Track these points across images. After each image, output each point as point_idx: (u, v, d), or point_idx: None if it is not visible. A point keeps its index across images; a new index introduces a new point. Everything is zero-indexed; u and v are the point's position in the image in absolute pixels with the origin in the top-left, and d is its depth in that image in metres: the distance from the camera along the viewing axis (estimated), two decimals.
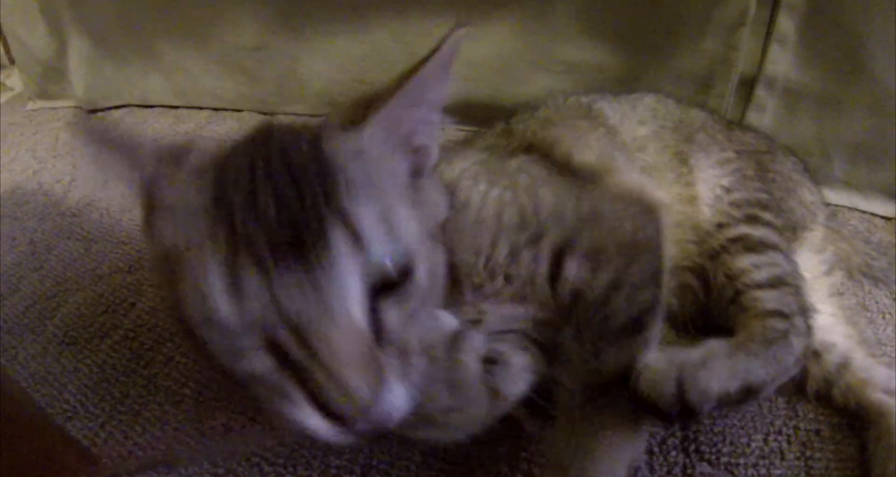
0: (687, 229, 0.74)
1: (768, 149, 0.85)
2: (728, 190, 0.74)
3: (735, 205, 0.72)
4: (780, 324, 0.62)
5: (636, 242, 0.61)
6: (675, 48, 1.07)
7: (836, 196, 1.05)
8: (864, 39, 0.92)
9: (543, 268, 0.59)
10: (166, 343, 0.86)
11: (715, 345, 0.60)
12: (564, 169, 0.67)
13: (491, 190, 0.62)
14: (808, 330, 0.64)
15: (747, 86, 1.05)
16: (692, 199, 0.76)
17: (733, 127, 0.90)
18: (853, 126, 1.00)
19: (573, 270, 0.58)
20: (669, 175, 0.78)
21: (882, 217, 1.02)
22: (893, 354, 0.74)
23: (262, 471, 0.67)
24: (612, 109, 0.84)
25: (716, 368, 0.56)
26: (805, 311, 0.65)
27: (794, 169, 0.85)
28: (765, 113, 1.05)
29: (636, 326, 0.58)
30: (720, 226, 0.71)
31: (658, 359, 0.57)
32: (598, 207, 0.62)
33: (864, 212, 1.04)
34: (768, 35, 0.99)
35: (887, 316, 0.82)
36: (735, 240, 0.69)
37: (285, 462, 0.67)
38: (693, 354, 0.58)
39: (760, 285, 0.66)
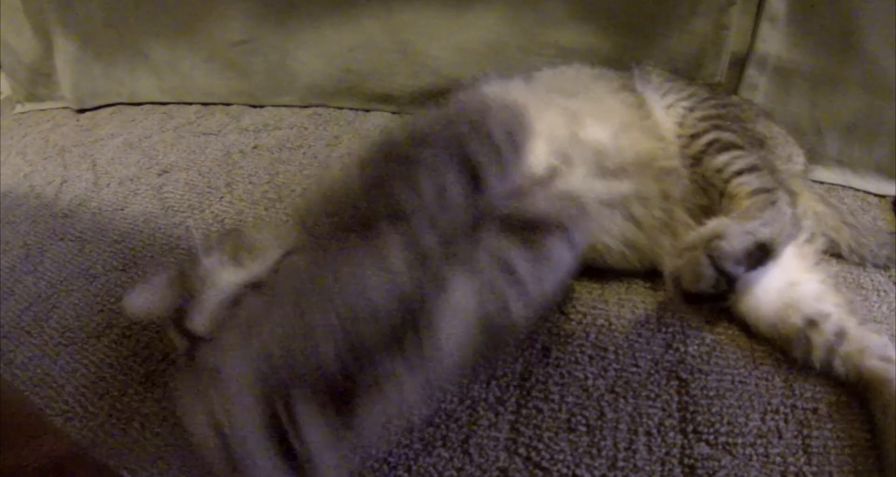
0: (651, 140, 0.82)
1: (724, 92, 0.96)
2: (691, 109, 0.83)
3: (701, 119, 0.81)
4: (766, 196, 0.71)
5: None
6: (665, 29, 1.06)
7: (829, 174, 1.05)
8: (856, 16, 0.92)
9: None
10: (163, 339, 0.86)
11: (718, 220, 0.68)
12: None
13: None
14: (792, 198, 0.73)
15: (738, 65, 1.04)
16: (648, 118, 0.84)
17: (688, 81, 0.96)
18: (846, 104, 0.99)
19: None
20: (612, 101, 0.85)
21: (875, 195, 1.02)
22: (890, 332, 0.74)
23: None
24: (543, 73, 0.96)
25: (730, 233, 0.64)
26: (785, 186, 0.74)
27: (751, 108, 0.94)
28: (756, 92, 1.05)
29: None
30: (693, 136, 0.80)
31: (683, 254, 0.62)
32: None
33: (858, 190, 1.03)
34: (759, 14, 0.99)
35: (881, 293, 0.82)
36: (709, 143, 0.78)
37: None
38: (705, 232, 0.64)
39: (741, 172, 0.74)
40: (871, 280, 0.84)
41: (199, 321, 0.58)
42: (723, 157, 0.76)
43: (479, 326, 0.56)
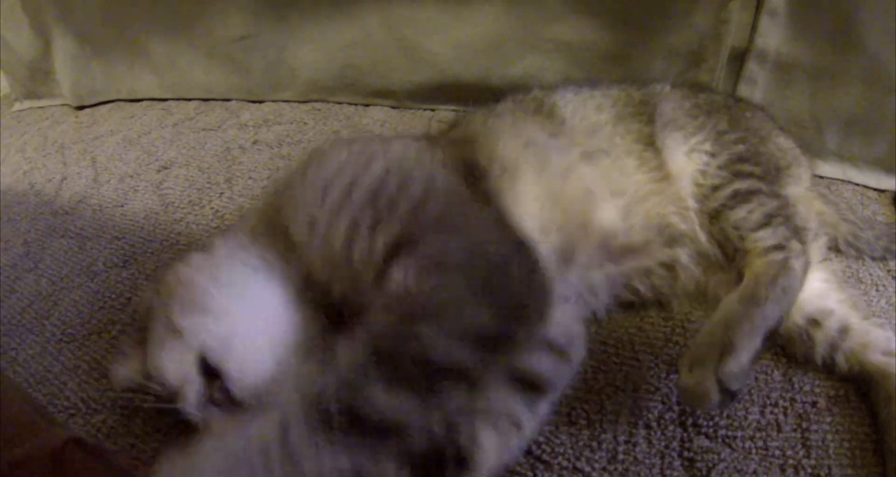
0: (668, 205, 0.80)
1: (735, 103, 0.92)
2: (713, 155, 0.81)
3: (722, 167, 0.79)
4: (778, 255, 0.72)
5: (494, 268, 0.56)
6: (665, 24, 1.06)
7: (829, 169, 1.05)
8: (856, 10, 0.92)
9: (376, 257, 0.56)
10: None
11: (728, 307, 0.67)
12: (476, 168, 0.72)
13: (360, 164, 0.63)
14: (804, 248, 0.74)
15: (738, 60, 1.04)
16: (667, 177, 0.81)
17: (700, 91, 0.94)
18: (846, 99, 0.99)
19: (402, 273, 0.54)
20: (630, 162, 0.81)
21: (875, 189, 1.02)
22: (889, 326, 0.75)
23: None
24: (566, 100, 0.88)
25: (740, 345, 0.62)
26: (797, 232, 0.75)
27: (762, 120, 0.91)
28: (756, 87, 1.05)
29: (436, 378, 0.49)
30: (715, 188, 0.79)
31: (694, 370, 0.61)
32: (466, 219, 0.61)
33: (858, 185, 1.04)
34: (758, 8, 0.99)
35: (880, 288, 0.82)
36: (731, 197, 0.77)
37: None
38: (714, 339, 0.63)
39: (757, 226, 0.75)
40: (870, 275, 0.85)
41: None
42: (741, 212, 0.76)
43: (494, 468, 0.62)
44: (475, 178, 0.70)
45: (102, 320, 0.91)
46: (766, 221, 0.75)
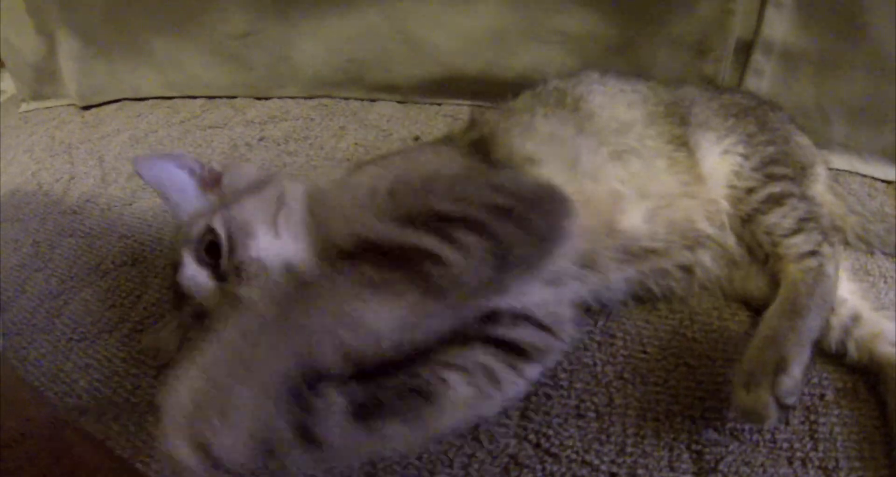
0: (697, 208, 0.79)
1: (758, 104, 0.91)
2: (746, 157, 0.81)
3: (755, 169, 0.80)
4: (813, 262, 0.73)
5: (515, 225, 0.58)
6: (670, 14, 1.05)
7: (835, 160, 1.04)
8: (862, 0, 0.91)
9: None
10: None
11: (773, 323, 0.68)
12: (496, 162, 0.74)
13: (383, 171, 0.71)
14: (836, 249, 0.76)
15: (744, 50, 1.04)
16: (698, 179, 0.80)
17: (722, 91, 0.94)
18: (853, 89, 0.99)
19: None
20: (661, 163, 0.80)
21: (882, 181, 1.02)
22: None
23: None
24: (594, 93, 0.86)
25: (792, 360, 0.63)
26: (827, 235, 0.77)
27: (783, 119, 0.91)
28: (763, 77, 1.04)
29: None
30: (749, 191, 0.79)
31: (750, 388, 0.62)
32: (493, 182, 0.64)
33: (864, 176, 1.03)
34: None
35: (889, 280, 0.82)
36: (764, 200, 0.78)
37: None
38: (763, 358, 0.64)
39: (791, 232, 0.76)
40: (879, 267, 0.84)
41: None
42: (774, 217, 0.77)
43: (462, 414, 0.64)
44: (495, 165, 0.73)
45: (113, 318, 0.92)
46: (799, 227, 0.76)
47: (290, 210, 0.70)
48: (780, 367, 0.63)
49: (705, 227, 0.79)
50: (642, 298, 0.81)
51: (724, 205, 0.80)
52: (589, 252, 0.73)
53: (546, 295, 0.70)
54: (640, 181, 0.77)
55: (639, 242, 0.76)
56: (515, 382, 0.67)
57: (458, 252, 0.52)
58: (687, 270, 0.80)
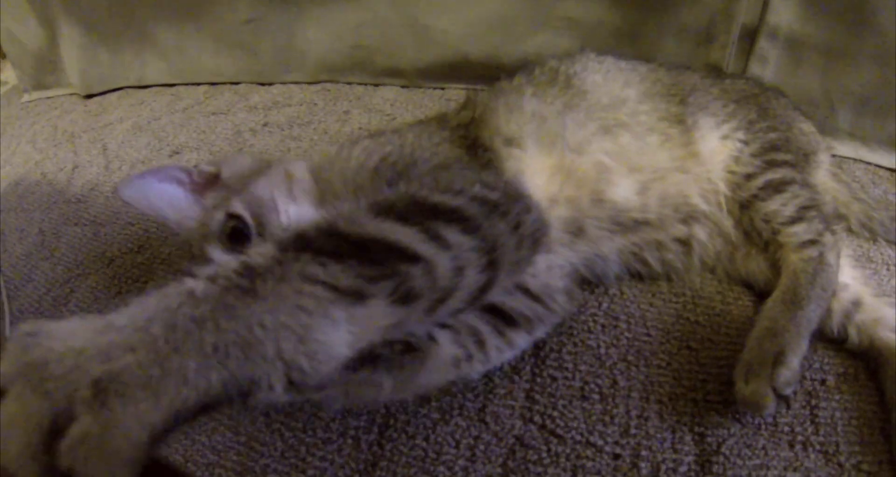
0: (690, 183, 0.79)
1: (761, 90, 0.91)
2: (746, 142, 0.81)
3: (755, 155, 0.80)
4: (814, 251, 0.74)
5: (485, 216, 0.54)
6: (675, 1, 1.05)
7: (841, 148, 1.04)
8: None
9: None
10: None
11: (773, 314, 0.69)
12: (480, 145, 0.75)
13: (377, 146, 0.71)
14: (837, 237, 0.76)
15: (749, 38, 1.03)
16: (692, 156, 0.80)
17: (724, 77, 0.94)
18: (859, 77, 0.99)
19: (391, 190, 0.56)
20: (653, 138, 0.80)
21: (887, 168, 1.02)
22: None
23: (283, 436, 0.69)
24: (589, 71, 0.86)
25: (790, 352, 0.65)
26: (829, 223, 0.77)
27: (787, 106, 0.91)
28: (767, 65, 1.04)
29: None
30: (748, 176, 0.79)
31: (749, 380, 0.64)
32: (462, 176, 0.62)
33: (869, 163, 1.03)
34: None
35: (891, 267, 0.83)
36: (763, 187, 0.78)
37: (304, 426, 0.69)
38: (762, 349, 0.66)
39: (791, 221, 0.76)
40: (881, 254, 0.85)
41: None
42: (773, 204, 0.77)
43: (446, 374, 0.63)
44: (477, 153, 0.73)
45: (120, 306, 0.92)
46: (800, 215, 0.76)
47: (301, 182, 0.72)
48: (779, 358, 0.64)
49: (699, 202, 0.79)
50: (641, 273, 0.82)
51: (722, 188, 0.80)
52: (574, 219, 0.75)
53: (537, 262, 0.71)
54: (629, 154, 0.78)
55: (629, 213, 0.77)
56: (501, 348, 0.68)
57: (445, 254, 0.46)
58: (683, 243, 0.80)
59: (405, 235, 0.44)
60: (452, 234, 0.47)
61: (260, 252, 0.41)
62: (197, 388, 0.35)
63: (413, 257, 0.44)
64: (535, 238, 0.58)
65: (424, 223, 0.46)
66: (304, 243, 0.42)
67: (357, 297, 0.40)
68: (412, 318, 0.45)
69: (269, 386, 0.37)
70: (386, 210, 0.46)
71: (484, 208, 0.52)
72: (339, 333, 0.39)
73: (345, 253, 0.41)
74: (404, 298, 0.43)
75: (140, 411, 0.34)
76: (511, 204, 0.55)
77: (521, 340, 0.70)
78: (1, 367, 0.36)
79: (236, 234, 0.67)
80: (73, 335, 0.36)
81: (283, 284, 0.39)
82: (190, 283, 0.39)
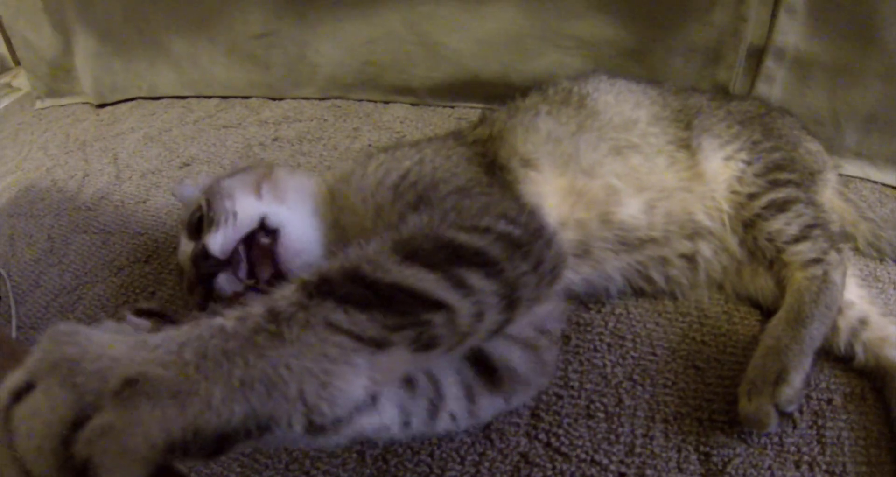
0: (695, 201, 0.80)
1: (767, 110, 0.92)
2: (749, 163, 0.81)
3: (758, 175, 0.80)
4: (818, 269, 0.74)
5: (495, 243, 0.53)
6: (684, 21, 1.06)
7: (847, 166, 1.04)
8: (875, 7, 0.91)
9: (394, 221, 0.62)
10: None
11: (776, 332, 0.69)
12: (497, 164, 0.75)
13: (397, 162, 0.71)
14: (842, 256, 0.76)
15: (756, 57, 1.04)
16: (696, 177, 0.82)
17: (730, 99, 0.94)
18: (865, 96, 0.99)
19: (417, 218, 0.55)
20: (661, 160, 0.81)
21: (893, 187, 1.02)
22: None
23: (288, 449, 0.69)
24: (601, 92, 0.88)
25: (793, 370, 0.65)
26: (834, 242, 0.77)
27: (792, 125, 0.92)
28: (774, 84, 1.05)
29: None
30: (751, 196, 0.80)
31: (752, 398, 0.65)
32: (479, 200, 0.62)
33: (876, 182, 1.03)
34: (777, 5, 0.98)
35: None
36: (767, 206, 0.78)
37: None
38: (766, 367, 0.66)
39: (796, 239, 0.76)
40: (888, 273, 0.85)
41: None
42: (777, 222, 0.77)
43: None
44: (495, 173, 0.73)
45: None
46: (805, 234, 0.76)
47: (277, 180, 0.76)
48: (781, 376, 0.65)
49: (703, 219, 0.80)
50: (645, 290, 0.82)
51: (726, 207, 0.80)
52: (582, 242, 0.75)
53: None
54: (638, 175, 0.79)
55: (636, 233, 0.77)
56: (462, 411, 0.60)
57: (468, 299, 0.46)
58: (688, 259, 0.81)
59: (429, 283, 0.45)
60: (476, 280, 0.47)
61: (285, 295, 0.42)
62: (219, 415, 0.36)
63: (436, 304, 0.44)
64: (554, 273, 0.58)
65: (449, 269, 0.46)
66: (328, 288, 0.42)
67: (379, 345, 0.41)
68: (430, 361, 0.47)
69: (288, 424, 0.38)
70: (412, 254, 0.46)
71: (508, 249, 0.51)
72: (359, 380, 0.40)
73: (369, 301, 0.42)
74: (426, 345, 0.44)
75: (164, 416, 0.35)
76: (533, 241, 0.55)
77: (519, 398, 0.65)
78: (32, 359, 0.37)
79: (199, 224, 0.73)
80: (109, 343, 0.38)
81: (308, 332, 0.39)
82: (220, 320, 0.40)
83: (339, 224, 0.73)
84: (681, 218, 0.79)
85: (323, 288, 0.42)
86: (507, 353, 0.63)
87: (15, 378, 0.36)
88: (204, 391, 0.36)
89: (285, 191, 0.74)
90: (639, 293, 0.83)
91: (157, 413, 0.35)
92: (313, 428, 0.39)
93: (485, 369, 0.62)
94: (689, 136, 0.84)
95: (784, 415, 0.64)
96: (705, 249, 0.80)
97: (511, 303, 0.50)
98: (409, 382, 0.55)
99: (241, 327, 0.39)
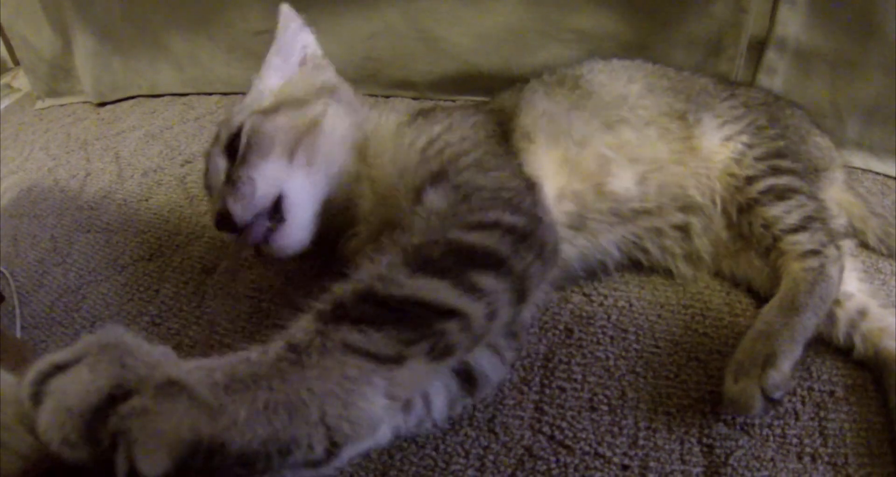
0: (688, 175, 0.80)
1: (774, 100, 0.91)
2: (750, 146, 0.81)
3: (759, 159, 0.79)
4: (815, 261, 0.73)
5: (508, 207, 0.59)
6: (684, 13, 1.06)
7: (850, 158, 1.04)
8: None
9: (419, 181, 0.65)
10: (192, 326, 0.88)
11: (769, 318, 0.69)
12: (504, 130, 0.79)
13: (428, 127, 0.74)
14: (840, 253, 0.75)
15: (758, 49, 1.04)
16: (690, 151, 0.82)
17: (737, 86, 0.94)
18: (867, 87, 0.99)
19: (435, 194, 0.61)
20: (652, 131, 0.81)
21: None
22: None
23: None
24: (595, 72, 0.90)
25: (782, 355, 0.64)
26: (833, 238, 0.76)
27: (802, 118, 0.91)
28: (776, 76, 1.04)
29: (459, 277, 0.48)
30: (750, 180, 0.79)
31: (739, 380, 0.64)
32: (492, 166, 0.67)
33: (878, 173, 1.03)
34: None
35: None
36: (765, 192, 0.77)
37: None
38: (758, 348, 0.66)
39: (794, 229, 0.75)
40: (891, 265, 0.85)
41: None
42: (775, 209, 0.76)
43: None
44: (505, 138, 0.77)
45: (131, 312, 0.93)
46: (804, 225, 0.75)
47: (318, 142, 0.76)
48: (770, 360, 0.64)
49: (696, 195, 0.80)
50: (642, 262, 0.83)
51: (718, 187, 0.80)
52: (578, 214, 0.76)
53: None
54: (630, 147, 0.79)
55: (630, 204, 0.78)
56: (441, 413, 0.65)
57: (480, 302, 0.48)
58: (682, 229, 0.81)
59: (441, 292, 0.46)
60: (487, 281, 0.49)
61: (301, 327, 0.44)
62: (243, 435, 0.38)
63: (449, 312, 0.46)
64: (553, 256, 0.61)
65: (460, 275, 0.48)
66: (342, 313, 0.44)
67: (396, 361, 0.43)
68: (447, 368, 0.50)
69: (308, 447, 0.39)
70: (422, 264, 0.48)
71: (514, 242, 0.54)
72: (379, 398, 0.42)
73: (383, 319, 0.43)
74: (442, 354, 0.45)
75: (196, 418, 0.37)
76: (535, 228, 0.58)
77: (458, 408, 0.67)
78: (82, 341, 0.40)
79: (231, 148, 0.76)
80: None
81: (327, 356, 0.41)
82: (245, 353, 0.43)
83: (367, 176, 0.76)
84: (674, 191, 0.80)
85: (337, 313, 0.44)
86: (482, 360, 0.66)
87: (62, 353, 0.39)
88: (231, 410, 0.38)
89: (319, 153, 0.76)
90: (637, 266, 0.83)
91: (192, 413, 0.37)
92: (334, 448, 0.40)
93: (467, 378, 0.66)
94: (686, 108, 0.84)
95: (770, 401, 0.63)
96: (697, 225, 0.81)
97: (521, 294, 0.52)
98: (406, 404, 0.58)
99: (263, 358, 0.42)
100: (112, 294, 0.97)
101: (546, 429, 0.68)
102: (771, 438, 0.65)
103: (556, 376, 0.73)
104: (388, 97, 1.43)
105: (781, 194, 0.77)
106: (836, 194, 0.87)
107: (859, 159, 1.04)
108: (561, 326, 0.80)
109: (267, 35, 0.91)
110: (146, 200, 1.19)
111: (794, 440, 0.65)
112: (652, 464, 0.64)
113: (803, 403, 0.68)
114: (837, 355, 0.73)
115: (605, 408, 0.70)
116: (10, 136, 1.58)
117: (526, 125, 0.80)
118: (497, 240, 0.53)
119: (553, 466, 0.65)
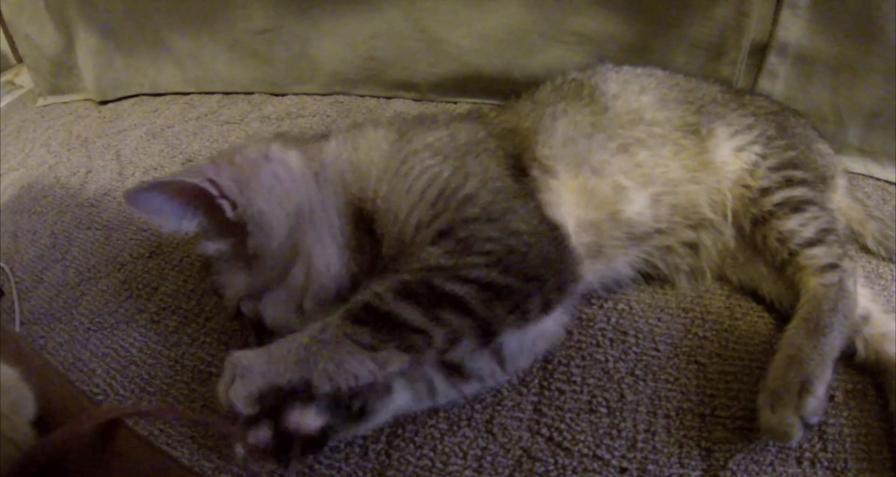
0: (701, 194, 0.80)
1: (780, 109, 0.91)
2: (763, 156, 0.80)
3: (773, 169, 0.79)
4: (834, 276, 0.72)
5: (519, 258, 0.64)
6: (686, 16, 1.06)
7: (850, 163, 1.04)
8: (878, 3, 0.91)
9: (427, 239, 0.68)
10: (191, 324, 0.88)
11: (796, 341, 0.68)
12: (520, 162, 0.77)
13: (438, 166, 0.72)
14: (854, 263, 0.75)
15: (759, 53, 1.04)
16: (704, 166, 0.81)
17: (743, 94, 0.93)
18: (868, 92, 0.99)
19: (438, 249, 0.65)
20: (666, 150, 0.80)
21: None
22: None
23: None
24: (609, 82, 0.88)
25: (816, 380, 0.64)
26: (846, 249, 0.76)
27: (805, 126, 0.91)
28: (777, 80, 1.04)
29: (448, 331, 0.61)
30: (764, 192, 0.78)
31: (776, 410, 0.63)
32: (509, 214, 0.68)
33: (879, 179, 1.03)
34: (780, 1, 0.98)
35: None
36: (780, 204, 0.77)
37: None
38: (792, 377, 0.64)
39: (811, 243, 0.75)
40: (892, 271, 0.84)
41: None
42: (791, 222, 0.75)
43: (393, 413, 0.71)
44: (520, 173, 0.75)
45: (130, 309, 0.93)
46: (821, 238, 0.75)
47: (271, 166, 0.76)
48: (805, 387, 0.63)
49: (707, 211, 0.79)
50: (650, 275, 0.83)
51: (730, 200, 0.79)
52: (595, 243, 0.76)
53: (543, 322, 0.72)
54: (644, 170, 0.78)
55: (643, 228, 0.77)
56: (449, 395, 0.71)
57: (442, 328, 0.60)
58: (690, 246, 0.81)
59: (411, 315, 0.60)
60: (451, 317, 0.60)
61: (336, 316, 0.62)
62: (288, 380, 0.58)
63: (415, 329, 0.60)
64: (546, 309, 0.67)
65: (430, 308, 0.60)
66: (349, 314, 0.61)
67: (374, 349, 0.59)
68: (421, 360, 0.65)
69: (317, 387, 0.59)
70: (406, 294, 0.61)
71: (488, 298, 0.61)
72: (363, 366, 0.60)
73: (369, 322, 0.60)
74: (407, 350, 0.60)
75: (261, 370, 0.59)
76: (523, 286, 0.63)
77: (472, 390, 0.72)
78: None
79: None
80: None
81: (339, 340, 0.60)
82: (299, 335, 0.61)
83: (371, 223, 0.73)
84: (686, 210, 0.79)
85: (348, 314, 0.62)
86: (476, 364, 0.71)
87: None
88: (283, 362, 0.59)
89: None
90: (645, 278, 0.83)
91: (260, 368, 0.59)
92: (338, 394, 0.61)
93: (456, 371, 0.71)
94: (698, 121, 0.82)
95: (808, 426, 0.62)
96: (706, 240, 0.80)
97: (487, 334, 0.63)
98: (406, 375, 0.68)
99: (307, 339, 0.61)
100: (111, 291, 0.97)
101: (544, 430, 0.68)
102: (770, 443, 0.65)
103: (555, 378, 0.73)
104: (389, 98, 1.43)
105: (797, 206, 0.76)
106: (836, 200, 0.87)
107: (860, 165, 1.04)
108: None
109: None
110: None
111: (794, 444, 0.65)
112: (650, 467, 0.64)
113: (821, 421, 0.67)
114: (838, 360, 0.72)
115: (603, 410, 0.70)
116: (12, 133, 1.58)
117: (545, 157, 0.77)
118: (471, 293, 0.61)
119: (551, 467, 0.64)
